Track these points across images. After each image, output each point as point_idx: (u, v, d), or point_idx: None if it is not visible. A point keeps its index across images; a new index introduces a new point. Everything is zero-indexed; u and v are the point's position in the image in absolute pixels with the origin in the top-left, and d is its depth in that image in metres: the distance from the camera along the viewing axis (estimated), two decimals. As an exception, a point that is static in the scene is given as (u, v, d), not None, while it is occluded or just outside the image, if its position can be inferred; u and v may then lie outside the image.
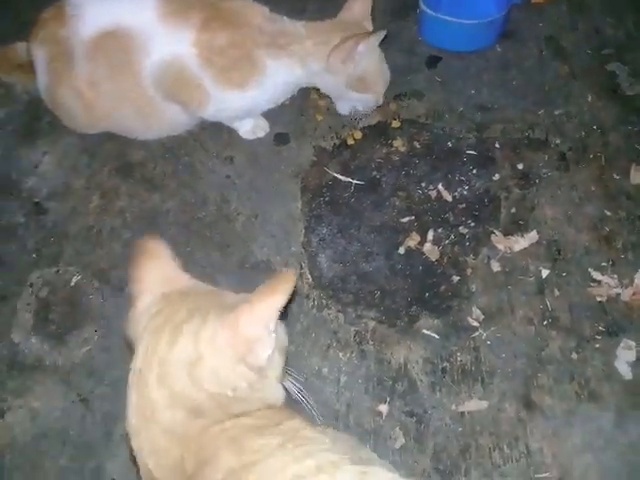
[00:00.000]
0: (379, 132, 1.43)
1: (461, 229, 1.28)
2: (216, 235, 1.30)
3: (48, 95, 1.33)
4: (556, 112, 1.43)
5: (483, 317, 1.17)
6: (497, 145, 1.39)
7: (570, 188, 1.33)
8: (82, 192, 1.37)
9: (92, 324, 1.20)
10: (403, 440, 1.07)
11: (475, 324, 1.17)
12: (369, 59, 1.29)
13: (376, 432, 1.07)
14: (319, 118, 1.45)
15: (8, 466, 1.06)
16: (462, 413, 1.08)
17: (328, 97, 1.43)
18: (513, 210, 1.30)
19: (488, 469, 1.04)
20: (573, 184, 1.33)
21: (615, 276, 1.21)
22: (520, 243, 1.25)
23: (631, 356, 1.12)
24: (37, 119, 1.46)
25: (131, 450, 0.71)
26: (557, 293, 1.19)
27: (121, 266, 1.26)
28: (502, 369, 1.12)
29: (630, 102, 1.44)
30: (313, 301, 1.21)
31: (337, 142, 1.42)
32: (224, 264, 1.26)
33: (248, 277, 1.22)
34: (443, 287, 1.22)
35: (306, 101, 1.47)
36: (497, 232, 1.27)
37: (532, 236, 1.26)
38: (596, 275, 1.21)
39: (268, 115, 1.42)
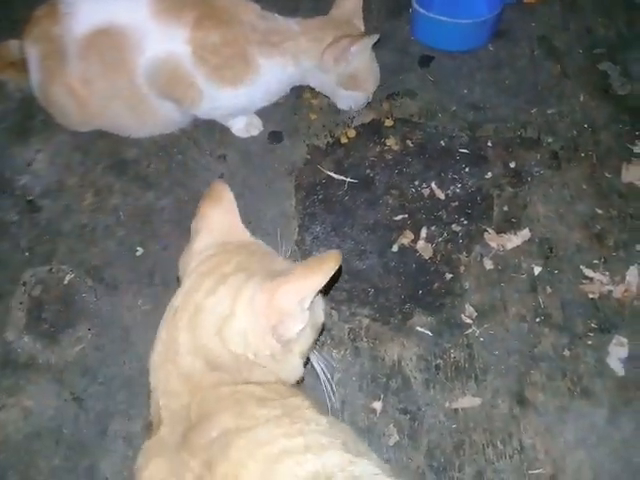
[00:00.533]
0: (372, 131, 1.43)
1: (454, 227, 1.29)
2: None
3: (41, 93, 1.32)
4: (548, 111, 1.44)
5: (476, 314, 1.18)
6: (490, 144, 1.40)
7: (562, 186, 1.34)
8: (75, 190, 1.36)
9: (85, 322, 1.19)
10: (397, 437, 1.07)
11: (468, 321, 1.17)
12: (361, 59, 1.30)
13: (370, 429, 1.08)
14: (313, 117, 1.45)
15: (1, 465, 1.06)
16: (456, 410, 1.09)
17: (321, 96, 1.44)
18: (505, 208, 1.31)
19: (482, 465, 1.04)
20: (565, 182, 1.34)
21: (607, 273, 1.21)
22: (513, 241, 1.26)
23: (623, 352, 1.13)
24: (30, 117, 1.46)
25: (148, 385, 0.72)
26: (549, 290, 1.20)
27: (115, 264, 1.26)
28: (495, 366, 1.13)
29: (622, 101, 1.45)
30: (307, 299, 1.21)
31: (331, 140, 1.42)
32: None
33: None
34: (436, 285, 1.22)
35: (299, 100, 1.47)
36: (490, 230, 1.28)
37: (524, 234, 1.27)
38: (588, 272, 1.22)
39: (262, 113, 1.42)
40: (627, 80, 1.49)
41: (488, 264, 1.24)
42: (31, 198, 1.35)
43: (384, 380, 1.12)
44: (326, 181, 1.36)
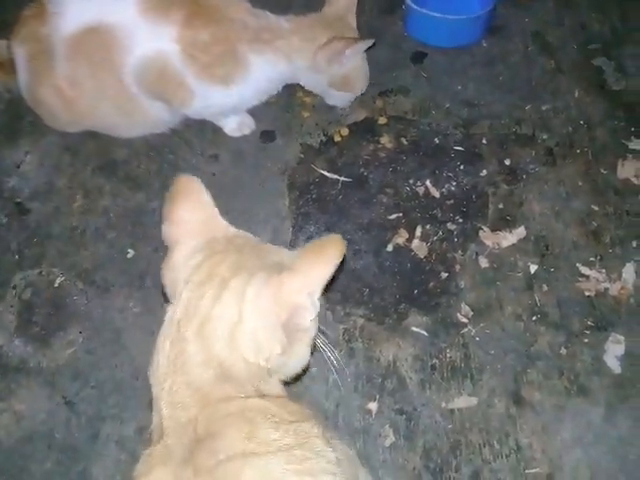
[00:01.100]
0: (366, 129, 1.42)
1: (449, 225, 1.28)
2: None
3: (29, 94, 1.31)
4: (543, 107, 1.43)
5: (472, 313, 1.17)
6: (484, 141, 1.39)
7: (557, 183, 1.33)
8: (65, 192, 1.34)
9: (76, 326, 1.18)
10: (393, 438, 1.06)
11: (464, 320, 1.16)
12: (354, 62, 1.30)
13: (366, 430, 1.07)
14: (305, 115, 1.44)
15: (-7, 470, 1.05)
16: (452, 410, 1.08)
17: (314, 93, 1.42)
18: (501, 206, 1.30)
19: (478, 465, 1.03)
20: (560, 179, 1.33)
21: (603, 271, 1.21)
22: (508, 239, 1.25)
23: (620, 350, 1.12)
24: (19, 118, 1.44)
25: (143, 391, 0.69)
26: (545, 288, 1.19)
27: (106, 266, 1.25)
28: (491, 365, 1.12)
29: (617, 97, 1.44)
30: (301, 300, 1.20)
31: (324, 139, 1.41)
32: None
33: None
34: (432, 284, 1.21)
35: (292, 98, 1.46)
36: (485, 228, 1.27)
37: (520, 232, 1.26)
38: (584, 270, 1.21)
39: (254, 112, 1.40)
40: (622, 76, 1.48)
41: (483, 262, 1.23)
42: (20, 200, 1.34)
43: (379, 381, 1.11)
44: (319, 180, 1.35)
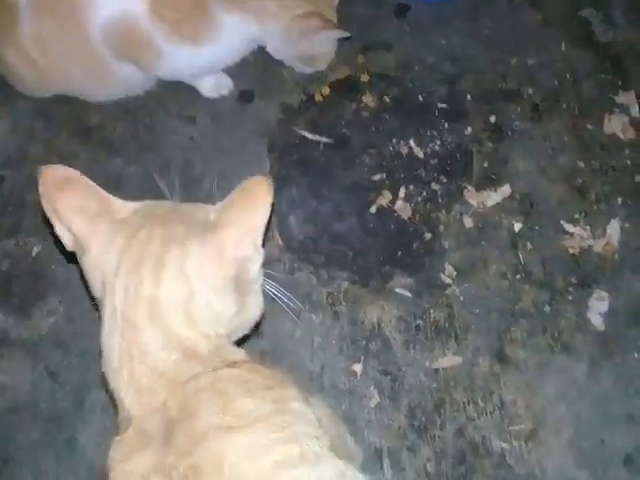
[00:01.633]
0: (348, 87, 1.37)
1: (433, 185, 1.25)
2: (182, 199, 1.26)
3: (-5, 55, 1.25)
4: (529, 61, 1.39)
5: (456, 273, 1.16)
6: (469, 97, 1.35)
7: (543, 139, 1.30)
8: (39, 159, 1.29)
9: (56, 295, 1.16)
10: (378, 399, 1.07)
11: (448, 281, 1.16)
12: (324, 44, 1.27)
13: (351, 392, 1.07)
14: (285, 74, 1.39)
15: (-22, 442, 1.05)
16: (436, 369, 1.09)
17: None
18: (485, 164, 1.28)
19: (463, 422, 1.05)
20: (546, 135, 1.31)
21: (587, 227, 1.20)
22: (493, 198, 1.23)
23: (603, 307, 1.13)
24: (-13, 83, 1.38)
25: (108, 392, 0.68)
26: (530, 247, 1.19)
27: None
28: (476, 324, 1.12)
29: (604, 49, 1.40)
30: (284, 264, 1.18)
31: (304, 98, 1.36)
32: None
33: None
34: (415, 245, 1.20)
35: (270, 55, 1.40)
36: (470, 187, 1.25)
37: (505, 190, 1.24)
38: (568, 227, 1.20)
39: (230, 71, 1.35)
40: (609, 27, 1.43)
41: (468, 222, 1.21)
42: (-8, 169, 1.30)
43: (364, 343, 1.11)
44: (300, 141, 1.31)
